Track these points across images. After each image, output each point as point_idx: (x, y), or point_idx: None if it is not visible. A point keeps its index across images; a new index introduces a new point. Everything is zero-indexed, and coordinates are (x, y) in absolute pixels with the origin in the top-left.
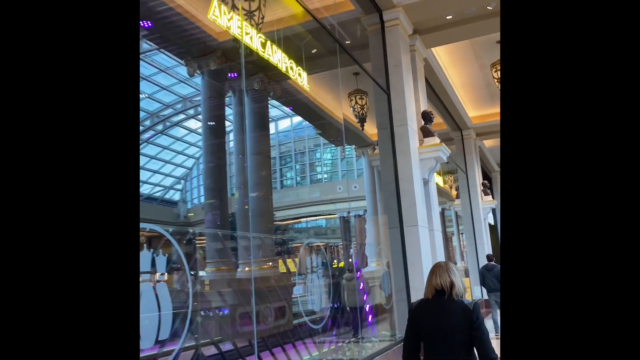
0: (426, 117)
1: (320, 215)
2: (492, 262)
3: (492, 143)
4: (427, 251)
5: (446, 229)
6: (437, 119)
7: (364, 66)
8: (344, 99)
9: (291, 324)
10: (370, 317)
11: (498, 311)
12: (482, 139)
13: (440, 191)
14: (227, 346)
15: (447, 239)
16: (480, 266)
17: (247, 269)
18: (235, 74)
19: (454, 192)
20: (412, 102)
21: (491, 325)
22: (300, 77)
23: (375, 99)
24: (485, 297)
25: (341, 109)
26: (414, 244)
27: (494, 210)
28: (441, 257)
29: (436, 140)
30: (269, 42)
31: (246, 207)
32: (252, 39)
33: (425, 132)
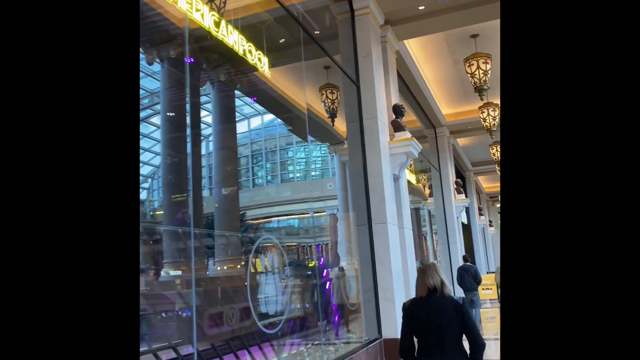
0: (397, 110)
1: (293, 214)
2: (468, 263)
3: (465, 141)
4: (396, 249)
5: (421, 228)
6: (411, 116)
7: (332, 57)
8: (308, 88)
9: (254, 327)
10: (336, 318)
11: (474, 310)
12: (455, 137)
13: (414, 190)
14: (187, 349)
15: (421, 238)
16: (457, 266)
17: (219, 268)
18: (192, 59)
19: (427, 191)
20: (383, 95)
21: None
22: (260, 62)
23: (344, 90)
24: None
25: (304, 98)
26: (383, 242)
27: (467, 209)
28: (412, 256)
29: (407, 134)
30: (223, 22)
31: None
32: (204, 17)
33: (396, 126)
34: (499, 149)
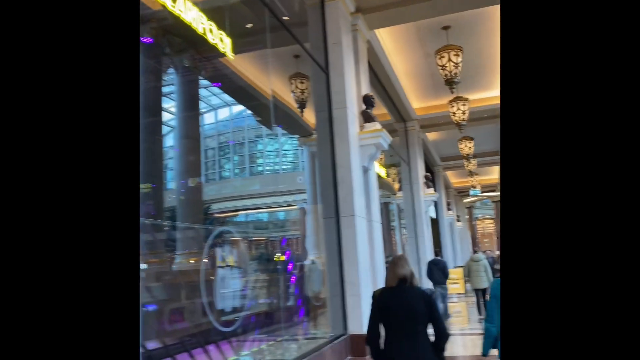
0: (367, 101)
1: (261, 208)
2: (438, 257)
3: (435, 136)
4: (364, 243)
5: (390, 222)
6: (382, 110)
7: (302, 43)
8: (278, 77)
9: (211, 324)
10: (301, 314)
11: (442, 303)
12: (425, 131)
13: (384, 184)
14: (150, 345)
15: (390, 233)
16: (425, 260)
17: (179, 261)
18: (151, 40)
19: (396, 185)
20: (353, 84)
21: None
22: (222, 43)
23: (313, 79)
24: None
25: (269, 84)
26: (351, 235)
27: (435, 204)
28: (380, 250)
29: (377, 125)
30: None
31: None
32: None
33: (366, 117)
34: (467, 144)
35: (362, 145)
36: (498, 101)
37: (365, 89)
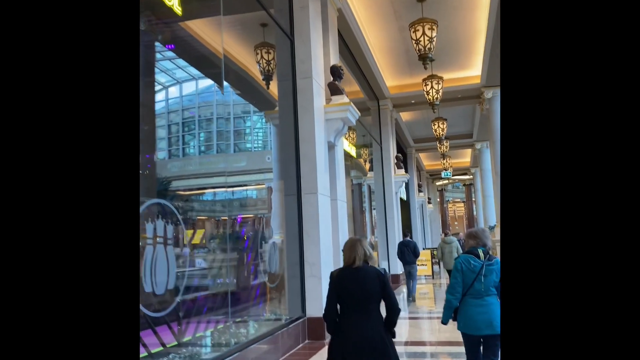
0: (335, 72)
1: (228, 186)
2: (408, 238)
3: (408, 116)
4: (327, 222)
5: (362, 204)
6: (354, 86)
7: (264, 5)
8: (243, 47)
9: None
10: (255, 296)
11: (411, 281)
12: (398, 110)
13: (356, 165)
14: None
15: (362, 214)
16: (394, 242)
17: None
18: None
19: (367, 166)
20: (320, 54)
21: (406, 291)
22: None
23: (277, 46)
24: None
25: (221, 42)
26: (312, 214)
27: (407, 185)
28: (345, 231)
29: (345, 99)
30: None
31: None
32: None
33: (333, 90)
34: (440, 125)
35: (328, 119)
36: (472, 81)
37: (334, 60)
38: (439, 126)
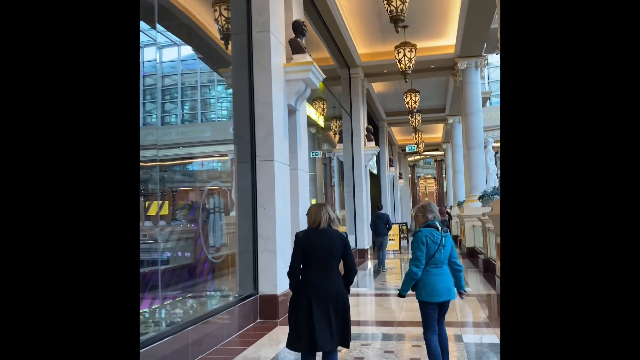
0: (298, 28)
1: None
2: (381, 211)
3: (380, 87)
4: (284, 193)
5: (331, 178)
6: (323, 52)
7: None
8: (202, 3)
9: None
10: (202, 272)
11: (381, 252)
12: (370, 80)
13: (326, 137)
14: None
15: (331, 187)
16: (362, 215)
17: None
18: None
19: (337, 138)
20: (281, 5)
21: (371, 265)
22: None
23: None
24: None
25: None
26: (268, 184)
27: (377, 160)
28: (306, 203)
29: (307, 58)
30: None
31: None
32: None
33: (295, 47)
34: (412, 97)
35: (288, 80)
36: (446, 51)
37: (298, 15)
38: (411, 98)
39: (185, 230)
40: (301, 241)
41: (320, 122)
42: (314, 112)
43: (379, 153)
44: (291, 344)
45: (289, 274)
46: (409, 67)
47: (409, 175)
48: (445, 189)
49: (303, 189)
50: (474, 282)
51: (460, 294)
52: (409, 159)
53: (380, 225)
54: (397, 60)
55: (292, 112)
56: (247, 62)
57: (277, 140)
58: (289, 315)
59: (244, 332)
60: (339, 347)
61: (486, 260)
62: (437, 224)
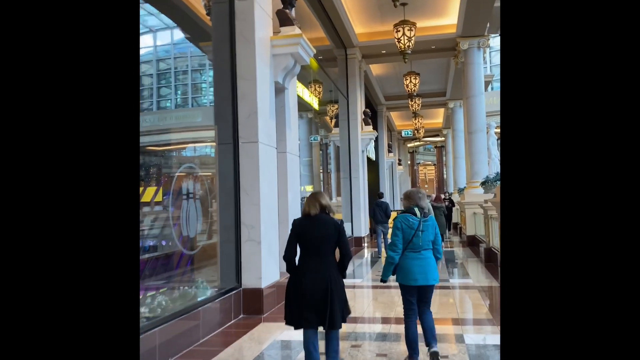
0: None
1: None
2: (382, 199)
3: (379, 70)
4: (271, 178)
5: (328, 164)
6: (319, 32)
7: None
8: None
9: None
10: (179, 264)
11: (381, 238)
12: (368, 62)
13: (322, 122)
14: None
15: (327, 174)
16: (359, 202)
17: None
18: None
19: (333, 122)
20: None
21: (369, 254)
22: None
23: None
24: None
25: None
26: (251, 167)
27: (376, 145)
28: (296, 189)
29: (296, 30)
30: None
31: None
32: None
33: (283, 19)
34: (412, 80)
35: (275, 54)
36: (447, 30)
37: None
38: (410, 81)
39: (159, 218)
40: (296, 228)
41: (315, 104)
42: (308, 95)
43: (377, 138)
44: (288, 320)
45: (284, 258)
46: (409, 46)
47: (409, 162)
48: (445, 176)
49: (293, 174)
50: (475, 273)
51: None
52: (409, 145)
53: (378, 212)
54: (395, 40)
55: (280, 90)
56: (229, 33)
57: (262, 120)
58: (286, 294)
59: (224, 330)
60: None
61: (488, 249)
62: (416, 209)
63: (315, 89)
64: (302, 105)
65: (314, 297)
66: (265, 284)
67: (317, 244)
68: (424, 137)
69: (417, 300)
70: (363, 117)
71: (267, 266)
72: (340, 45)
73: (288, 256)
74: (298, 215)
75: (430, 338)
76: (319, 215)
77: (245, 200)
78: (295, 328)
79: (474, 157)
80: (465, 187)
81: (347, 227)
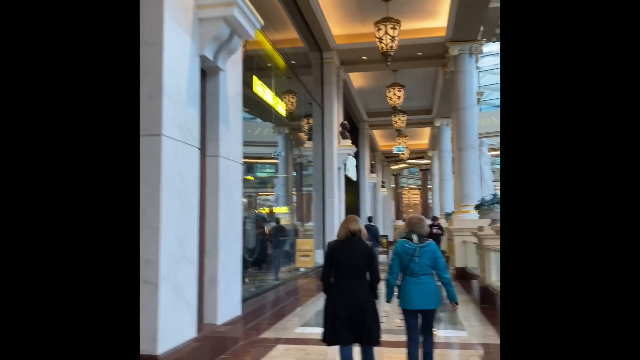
0: None
1: None
2: (371, 223)
3: (360, 81)
4: (183, 190)
5: (302, 185)
6: (291, 32)
7: None
8: None
9: None
10: None
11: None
12: (348, 70)
13: (298, 140)
14: None
15: (302, 197)
16: (332, 227)
17: None
18: None
19: (304, 137)
20: None
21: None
22: None
23: None
24: None
25: None
26: (151, 172)
27: (357, 166)
28: (237, 207)
29: None
30: None
31: None
32: None
33: None
34: (396, 92)
35: (202, 18)
36: (436, 33)
37: None
38: (394, 93)
39: None
40: (331, 250)
41: (280, 108)
42: (280, 105)
43: (358, 157)
44: (324, 338)
45: (321, 279)
46: (392, 47)
47: (392, 185)
48: (430, 200)
49: (231, 187)
50: (469, 320)
51: (452, 305)
52: (393, 167)
53: (369, 236)
54: (377, 40)
55: (212, 72)
56: None
57: (171, 104)
58: (324, 313)
59: None
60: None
61: (483, 288)
62: (414, 236)
63: (288, 100)
64: (279, 120)
65: (349, 316)
66: (164, 349)
67: (350, 267)
68: (408, 159)
69: (420, 324)
70: (340, 129)
71: (169, 320)
72: (315, 47)
73: (325, 277)
74: (233, 242)
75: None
76: (350, 239)
77: (142, 222)
78: (329, 345)
79: (464, 177)
80: (453, 211)
81: (318, 255)
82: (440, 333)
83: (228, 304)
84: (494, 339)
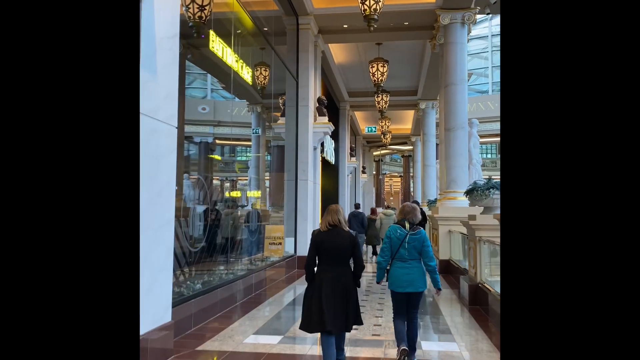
0: None
1: None
2: (358, 210)
3: (342, 56)
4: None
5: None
6: None
7: None
8: None
9: None
10: None
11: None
12: (327, 40)
13: (272, 119)
14: None
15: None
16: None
17: None
18: None
19: (279, 114)
20: None
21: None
22: None
23: None
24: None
25: None
26: None
27: (336, 149)
28: (167, 178)
29: None
30: None
31: None
32: None
33: None
34: (380, 68)
35: None
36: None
37: None
38: (377, 69)
39: None
40: (315, 239)
41: (246, 76)
42: (246, 72)
43: (338, 139)
44: (304, 326)
45: (305, 267)
46: (375, 9)
47: (374, 172)
48: (412, 189)
49: (158, 156)
50: (457, 326)
51: (436, 291)
52: (374, 153)
53: (355, 223)
54: (360, 2)
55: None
56: None
57: None
58: (304, 302)
59: None
60: (355, 326)
61: (474, 286)
62: (406, 223)
63: (262, 74)
64: (252, 96)
65: (333, 303)
66: None
67: (333, 255)
68: (390, 145)
69: (406, 305)
70: (317, 105)
71: None
72: (290, 11)
73: (308, 264)
74: (160, 228)
75: (413, 344)
76: (332, 230)
77: None
78: (311, 332)
79: (451, 160)
80: (437, 198)
81: (289, 242)
82: (424, 346)
83: (152, 309)
84: (491, 352)
